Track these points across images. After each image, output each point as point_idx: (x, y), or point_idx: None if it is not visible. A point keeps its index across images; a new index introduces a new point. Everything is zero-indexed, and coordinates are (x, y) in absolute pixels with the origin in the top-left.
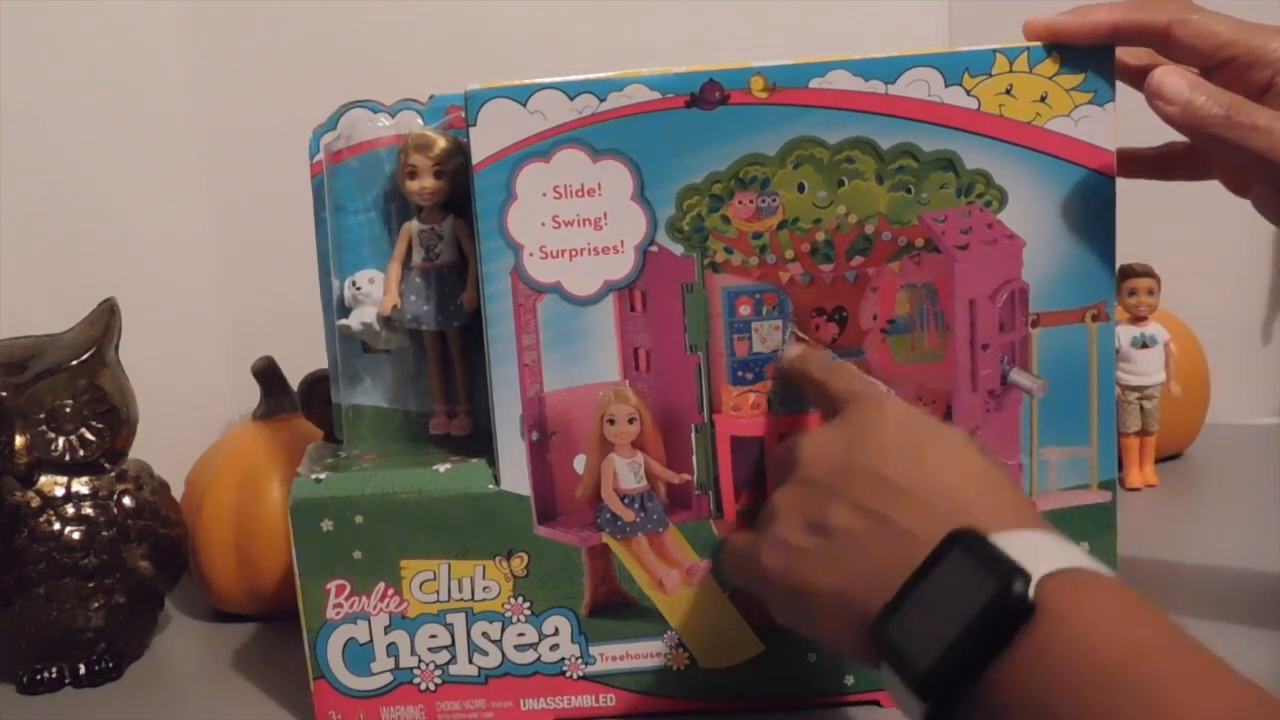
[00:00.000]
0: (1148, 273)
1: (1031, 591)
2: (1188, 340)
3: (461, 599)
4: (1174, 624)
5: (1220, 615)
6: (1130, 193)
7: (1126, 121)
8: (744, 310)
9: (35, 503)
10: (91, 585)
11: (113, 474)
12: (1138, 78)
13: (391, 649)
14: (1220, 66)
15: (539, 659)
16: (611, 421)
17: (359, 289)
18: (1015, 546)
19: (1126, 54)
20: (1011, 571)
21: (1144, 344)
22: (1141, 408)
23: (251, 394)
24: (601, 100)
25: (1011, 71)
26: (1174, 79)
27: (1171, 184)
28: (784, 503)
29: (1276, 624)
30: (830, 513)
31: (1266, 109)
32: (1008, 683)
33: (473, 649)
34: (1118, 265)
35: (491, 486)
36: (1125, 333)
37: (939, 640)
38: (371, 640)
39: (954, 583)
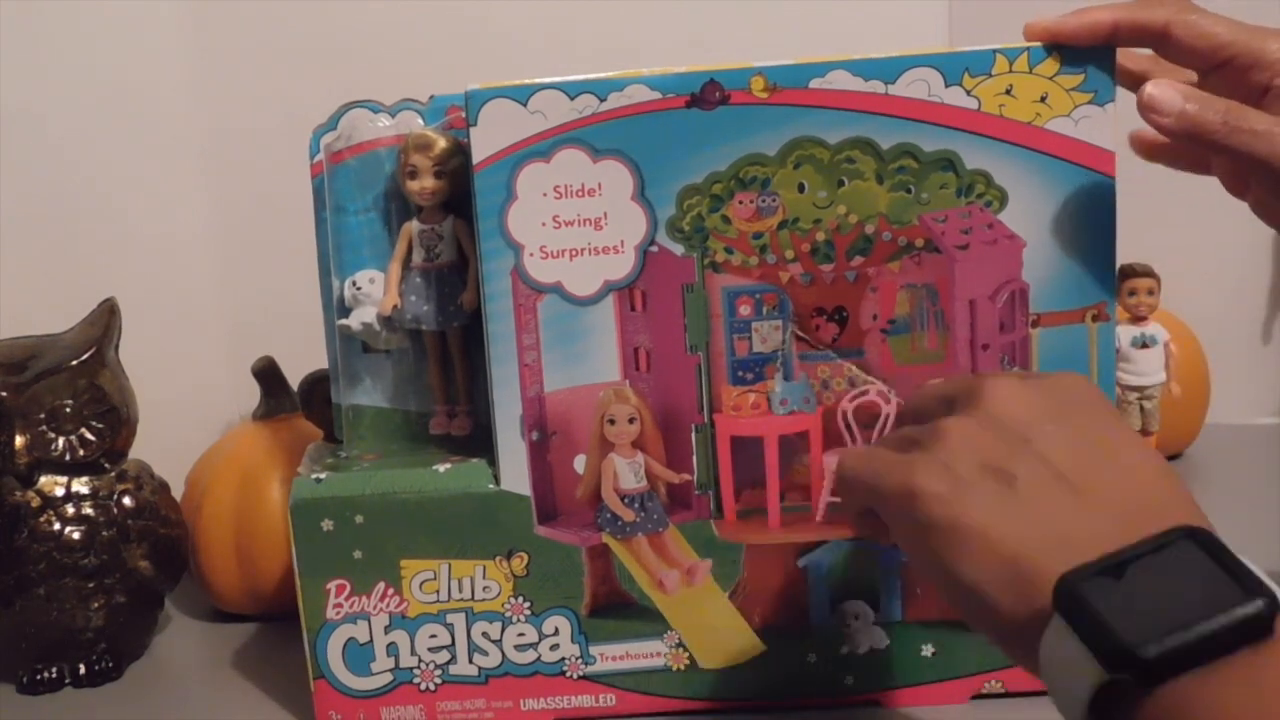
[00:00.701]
0: (1148, 273)
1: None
2: (1188, 340)
3: (461, 599)
4: None
5: None
6: (1130, 193)
7: (1126, 122)
8: (744, 310)
9: (35, 503)
10: (91, 585)
11: (113, 474)
12: (1137, 83)
13: (391, 649)
14: (1219, 67)
15: (539, 659)
16: (612, 421)
17: (359, 289)
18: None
19: (1125, 58)
20: (1260, 588)
21: (1144, 344)
22: (1141, 408)
23: (251, 394)
24: (602, 100)
25: (1011, 72)
26: (1165, 90)
27: (1171, 184)
28: (960, 432)
29: None
30: (1019, 462)
31: (1263, 113)
32: (1210, 693)
33: (473, 649)
34: (1118, 265)
35: (492, 486)
36: (1125, 333)
37: (1152, 622)
38: (371, 640)
39: (1182, 576)
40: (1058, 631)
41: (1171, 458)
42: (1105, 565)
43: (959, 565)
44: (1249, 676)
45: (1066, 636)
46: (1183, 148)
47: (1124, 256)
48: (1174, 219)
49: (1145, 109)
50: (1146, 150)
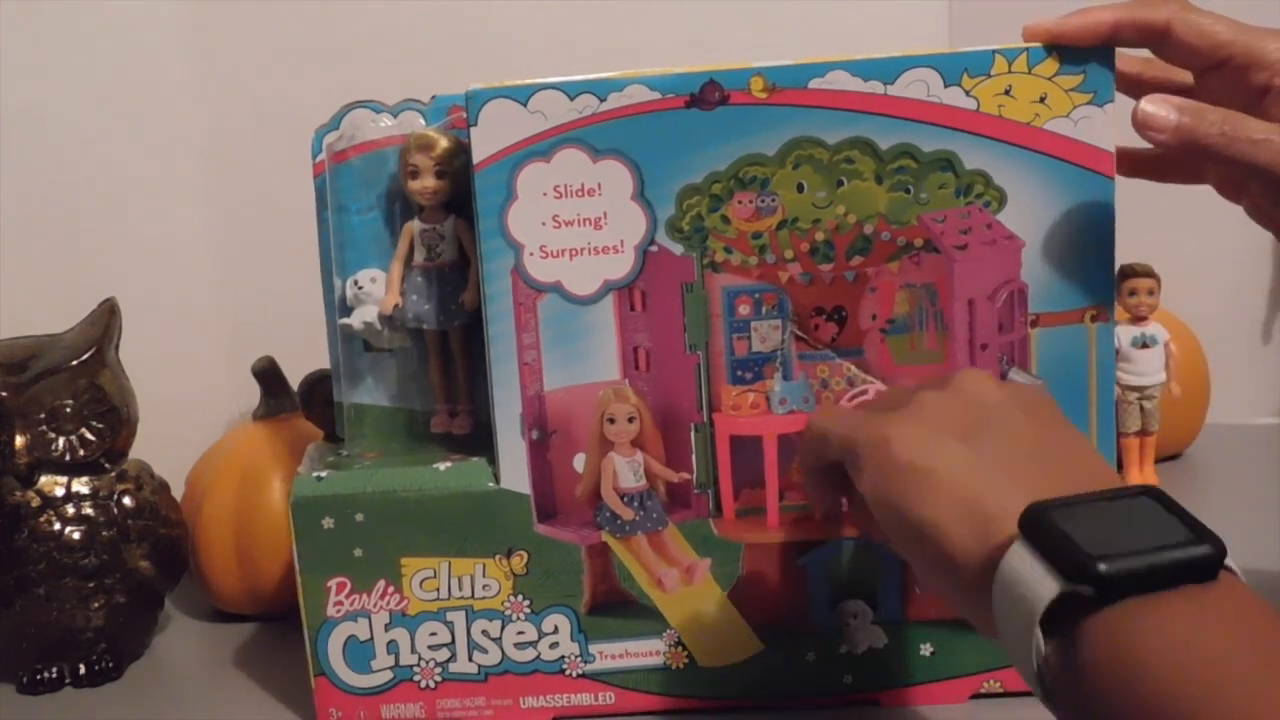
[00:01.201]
0: (1148, 273)
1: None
2: (1188, 340)
3: (461, 597)
4: None
5: None
6: (1130, 193)
7: (1125, 123)
8: (743, 310)
9: (35, 503)
10: (91, 585)
11: (113, 474)
12: (1135, 86)
13: (392, 646)
14: (1218, 67)
15: (538, 657)
16: (611, 420)
17: (361, 288)
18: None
19: (1120, 60)
20: (1210, 536)
21: (1144, 344)
22: (1141, 408)
23: (251, 394)
24: (602, 100)
25: (1010, 72)
26: (1159, 106)
27: (1171, 185)
28: (934, 401)
29: None
30: (985, 428)
31: (1261, 121)
32: (1156, 618)
33: (473, 647)
34: (1118, 265)
35: (492, 485)
36: (1125, 333)
37: (1109, 545)
38: (372, 638)
39: (1139, 520)
40: (1017, 554)
41: (1171, 458)
42: (1067, 502)
43: (922, 505)
44: (1193, 609)
45: (1026, 558)
46: (1170, 162)
47: (1124, 256)
48: (1174, 219)
49: (1141, 126)
50: (1131, 167)
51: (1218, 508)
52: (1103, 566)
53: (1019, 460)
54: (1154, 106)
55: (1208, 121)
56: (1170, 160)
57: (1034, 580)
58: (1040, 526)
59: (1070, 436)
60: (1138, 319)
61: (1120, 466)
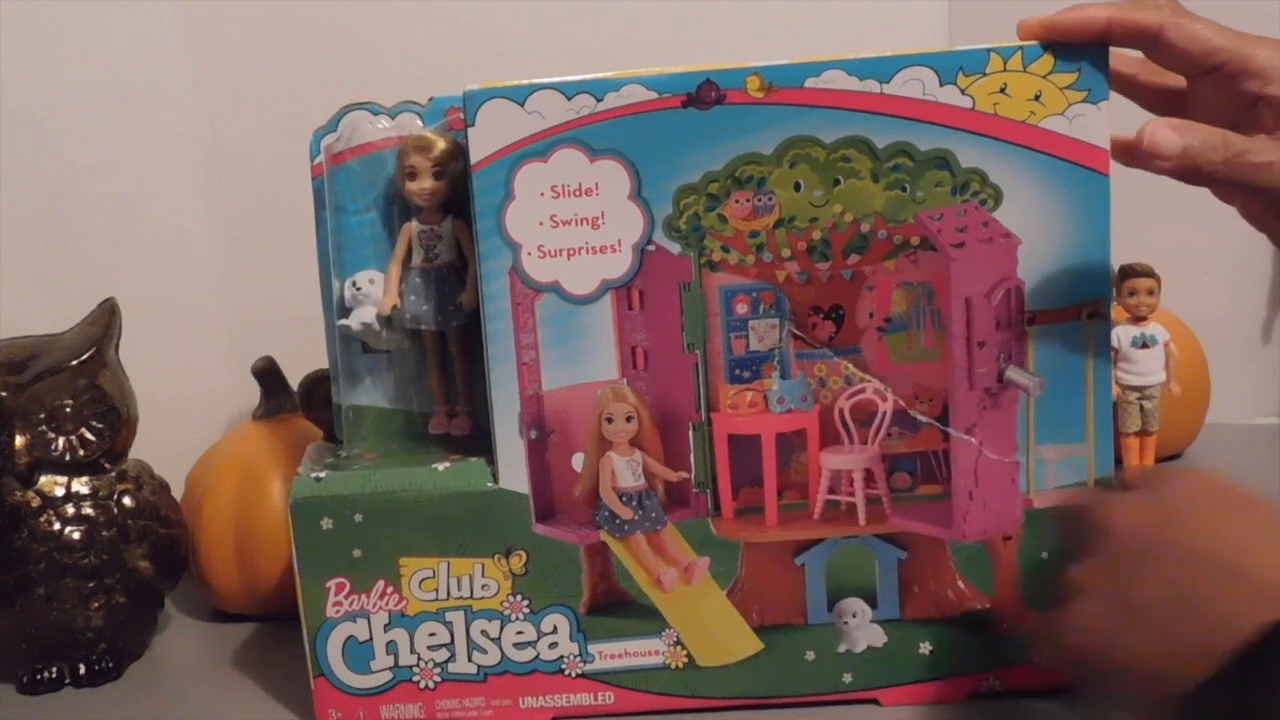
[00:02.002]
0: (1148, 273)
1: None
2: (1188, 340)
3: (461, 597)
4: None
5: None
6: (1130, 192)
7: (1120, 121)
8: (741, 309)
9: (35, 503)
10: (91, 585)
11: (113, 474)
12: (1129, 86)
13: (391, 647)
14: (1209, 73)
15: (538, 657)
16: (610, 420)
17: (359, 289)
18: None
19: (1117, 61)
20: None
21: (1144, 344)
22: (1141, 408)
23: (251, 394)
24: (599, 100)
25: (1006, 70)
26: (1163, 133)
27: (1171, 184)
28: (1089, 580)
29: None
30: (1140, 587)
31: (1262, 140)
32: None
33: (472, 647)
34: (1118, 265)
35: (490, 485)
36: (1125, 333)
37: None
38: (371, 638)
39: (1272, 674)
40: None
41: (1171, 458)
42: (1214, 679)
43: (1131, 695)
44: None
45: None
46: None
47: (1124, 256)
48: (1174, 219)
49: (1145, 156)
50: (1127, 155)
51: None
52: None
53: (1181, 617)
54: (1158, 134)
55: (1210, 148)
56: None
57: None
58: None
59: (1223, 542)
60: (1138, 319)
61: (1120, 466)
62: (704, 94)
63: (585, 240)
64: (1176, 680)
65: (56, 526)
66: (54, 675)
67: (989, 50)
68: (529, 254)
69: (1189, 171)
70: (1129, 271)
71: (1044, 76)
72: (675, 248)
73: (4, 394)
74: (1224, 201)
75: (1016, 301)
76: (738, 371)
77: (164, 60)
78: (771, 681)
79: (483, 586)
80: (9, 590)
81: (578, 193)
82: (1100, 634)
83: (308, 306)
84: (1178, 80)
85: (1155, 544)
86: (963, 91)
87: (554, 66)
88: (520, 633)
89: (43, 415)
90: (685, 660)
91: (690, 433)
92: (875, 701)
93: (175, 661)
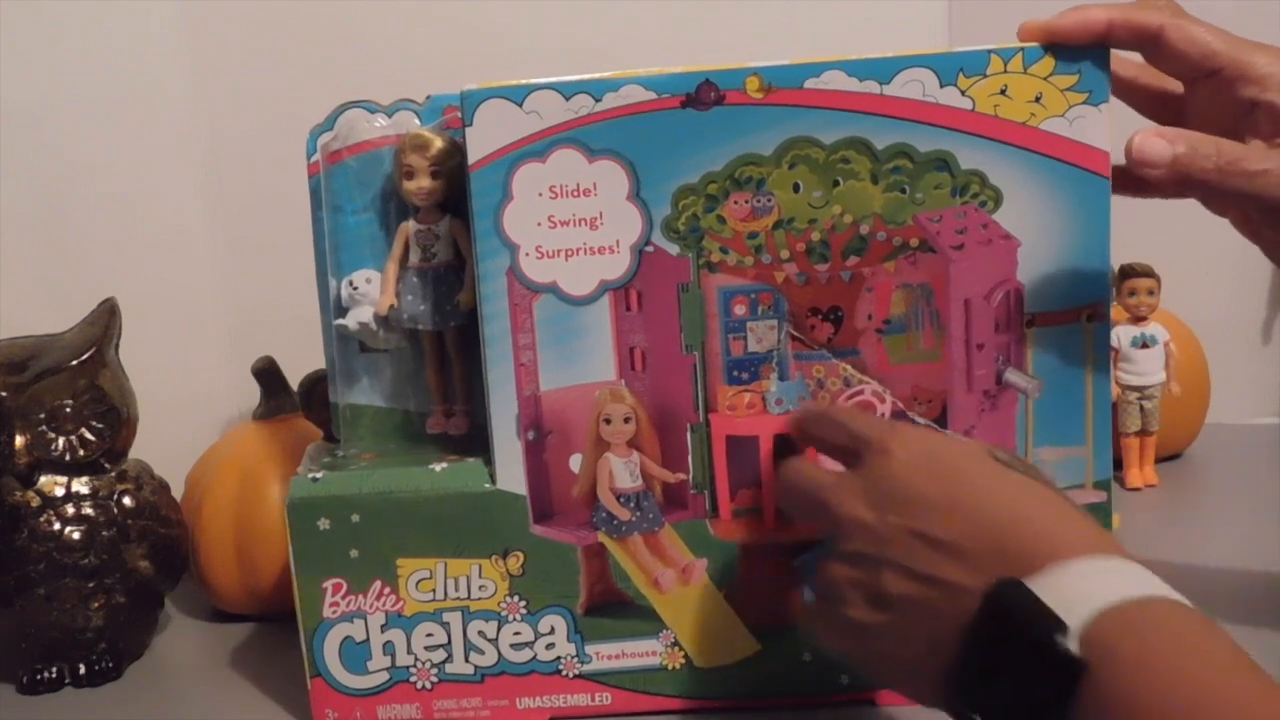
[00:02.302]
0: (1148, 273)
1: (1075, 644)
2: (1188, 340)
3: (458, 598)
4: (1231, 648)
5: (1220, 615)
6: None
7: (1120, 123)
8: (739, 310)
9: (35, 503)
10: (91, 585)
11: (113, 474)
12: (1127, 90)
13: (388, 647)
14: (1207, 77)
15: (535, 658)
16: (607, 421)
17: (356, 289)
18: (1058, 584)
19: (1116, 64)
20: (1050, 627)
21: (1144, 344)
22: (1141, 408)
23: (251, 394)
24: (597, 100)
25: (1006, 72)
26: (1153, 142)
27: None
28: (841, 578)
29: (1277, 624)
30: (885, 584)
31: (1256, 146)
32: None
33: (469, 648)
34: (1118, 265)
35: (488, 485)
36: (1125, 333)
37: (1000, 710)
38: (368, 639)
39: (1003, 644)
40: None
41: (1171, 458)
42: (962, 662)
43: (906, 691)
44: None
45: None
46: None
47: (1124, 256)
48: (1174, 219)
49: (1136, 165)
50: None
51: (1218, 508)
52: None
53: (925, 603)
54: (1147, 143)
55: (1202, 155)
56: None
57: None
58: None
59: (936, 513)
60: (1138, 319)
61: (1120, 466)
62: (703, 94)
63: (583, 241)
64: (926, 673)
65: (56, 526)
66: (54, 675)
67: (989, 52)
68: (527, 254)
69: (1181, 180)
70: (1129, 271)
71: (1045, 78)
72: (674, 249)
73: (4, 394)
74: (1216, 214)
75: (1016, 303)
76: (736, 373)
77: (164, 60)
78: (769, 682)
79: (480, 587)
80: (9, 590)
81: (576, 193)
82: (862, 633)
83: (308, 306)
84: (1175, 85)
85: (880, 538)
86: (963, 93)
87: (552, 66)
88: (517, 633)
89: (43, 415)
90: (682, 661)
91: (688, 434)
92: (872, 702)
93: (175, 661)
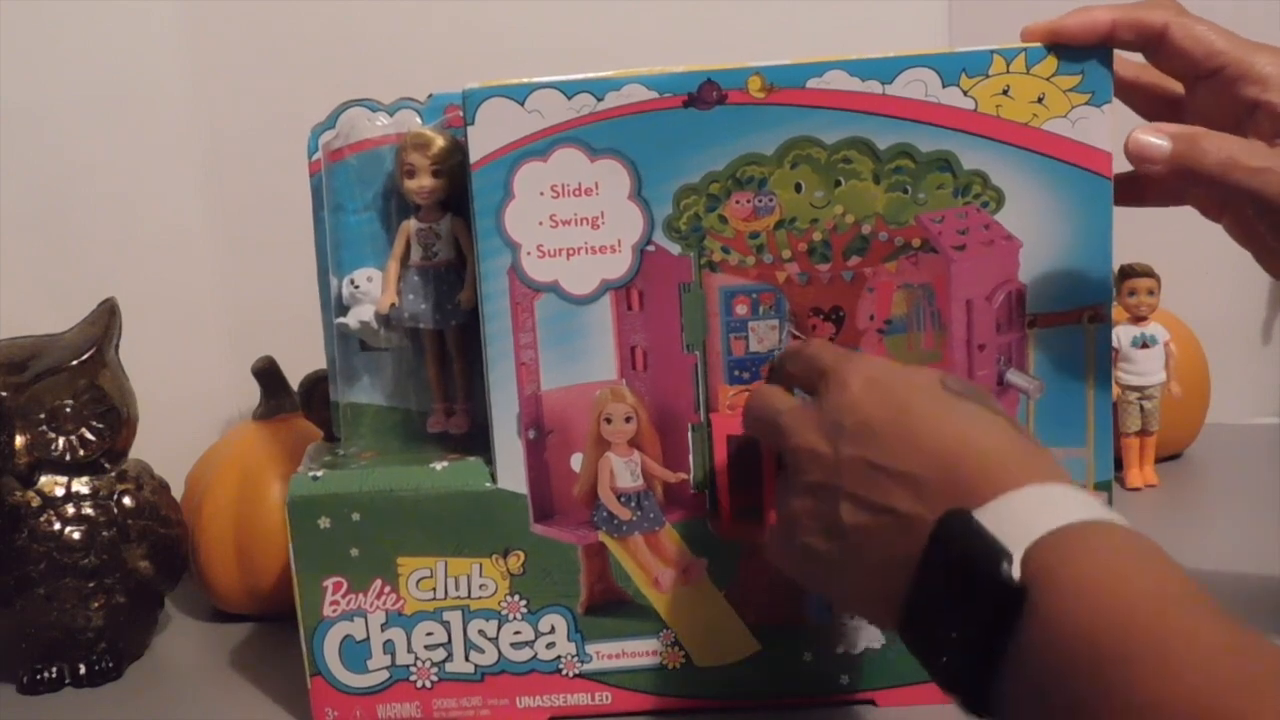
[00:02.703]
0: (1148, 273)
1: (1017, 570)
2: (1188, 340)
3: (458, 597)
4: (1169, 570)
5: None
6: None
7: (1123, 124)
8: (741, 310)
9: (35, 503)
10: (91, 585)
11: (113, 474)
12: (1129, 90)
13: (388, 646)
14: (1210, 77)
15: (535, 657)
16: (608, 420)
17: (357, 287)
18: (1003, 514)
19: (1118, 65)
20: (994, 554)
21: (1144, 344)
22: (1141, 408)
23: (251, 394)
24: (599, 99)
25: (1009, 72)
26: (1153, 135)
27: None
28: (797, 508)
29: (1276, 624)
30: (840, 514)
31: (1258, 145)
32: (1017, 671)
33: (469, 647)
34: (1118, 265)
35: (488, 484)
36: (1125, 333)
37: (948, 639)
38: (368, 637)
39: (949, 574)
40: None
41: (1171, 458)
42: (910, 595)
43: (864, 619)
44: (1033, 652)
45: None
46: (1148, 186)
47: (1124, 256)
48: (1174, 219)
49: (1136, 158)
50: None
51: (1218, 508)
52: (950, 676)
53: (879, 532)
54: (1148, 136)
55: (1202, 150)
56: (1149, 184)
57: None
58: (911, 648)
59: (889, 442)
60: (1138, 319)
61: (1120, 466)
62: (705, 94)
63: (585, 240)
64: (881, 601)
65: (56, 526)
66: (54, 675)
67: (992, 52)
68: (528, 254)
69: (1182, 174)
70: (1129, 271)
71: (1047, 79)
72: (675, 248)
73: (4, 394)
74: (1212, 219)
75: (1017, 304)
76: (737, 372)
77: (164, 60)
78: (769, 682)
79: (480, 586)
80: (9, 590)
81: (577, 192)
82: (819, 563)
83: (308, 306)
84: (1176, 86)
85: (833, 466)
86: (965, 93)
87: (554, 65)
88: (518, 633)
89: (43, 415)
90: (683, 660)
91: (689, 433)
92: (872, 702)
93: (175, 661)
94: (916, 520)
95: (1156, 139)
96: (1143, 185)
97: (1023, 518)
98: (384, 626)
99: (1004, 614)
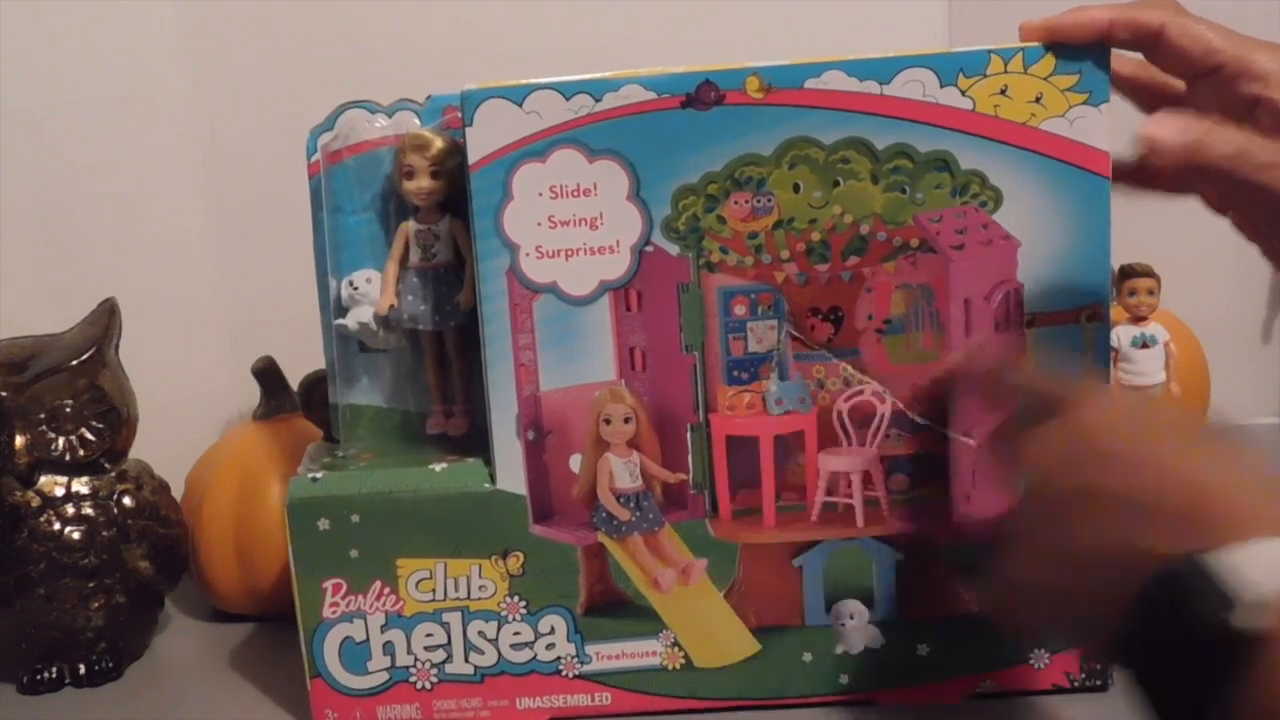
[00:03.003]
0: (1148, 273)
1: (1250, 622)
2: (1188, 340)
3: (458, 598)
4: None
5: None
6: None
7: (1120, 124)
8: (739, 310)
9: (35, 503)
10: (91, 585)
11: (113, 474)
12: (1128, 88)
13: (388, 647)
14: (1209, 75)
15: (535, 658)
16: (607, 421)
17: (356, 289)
18: (1247, 561)
19: (1117, 63)
20: (1225, 602)
21: (1144, 344)
22: None
23: (251, 394)
24: (597, 100)
25: (1006, 72)
26: (1164, 127)
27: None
28: (1027, 526)
29: None
30: (1073, 535)
31: (1268, 143)
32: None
33: (469, 648)
34: (1118, 265)
35: (488, 485)
36: (1125, 333)
37: (1168, 677)
38: (368, 639)
39: (1176, 613)
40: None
41: None
42: (1133, 624)
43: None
44: (1254, 704)
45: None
46: (1156, 172)
47: (1124, 256)
48: (1174, 219)
49: (1148, 150)
50: (1116, 176)
51: None
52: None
53: (1111, 560)
54: (1159, 128)
55: (1212, 143)
56: (1156, 173)
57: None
58: (1129, 674)
59: (1139, 474)
60: (1138, 319)
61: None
62: (703, 94)
63: (583, 241)
64: (1101, 625)
65: (56, 526)
66: (54, 675)
67: (989, 52)
68: (527, 254)
69: (1193, 166)
70: (1129, 271)
71: (1045, 78)
72: (674, 249)
73: (4, 394)
74: (1217, 212)
75: (1016, 304)
76: (736, 373)
77: (164, 60)
78: (768, 683)
79: (480, 587)
80: (9, 590)
81: (576, 193)
82: (1028, 587)
83: (308, 307)
84: (1176, 84)
85: (1075, 486)
86: (963, 93)
87: (552, 66)
88: (517, 634)
89: (43, 415)
90: (682, 661)
91: (688, 434)
92: (872, 702)
93: (175, 661)
94: (1147, 555)
95: (1168, 130)
96: (1150, 173)
97: (1262, 568)
98: (384, 628)
99: (1226, 665)
